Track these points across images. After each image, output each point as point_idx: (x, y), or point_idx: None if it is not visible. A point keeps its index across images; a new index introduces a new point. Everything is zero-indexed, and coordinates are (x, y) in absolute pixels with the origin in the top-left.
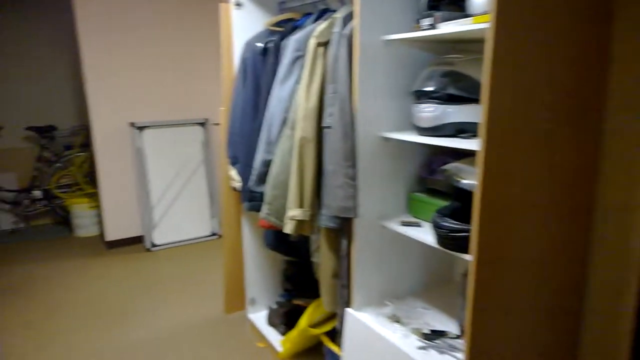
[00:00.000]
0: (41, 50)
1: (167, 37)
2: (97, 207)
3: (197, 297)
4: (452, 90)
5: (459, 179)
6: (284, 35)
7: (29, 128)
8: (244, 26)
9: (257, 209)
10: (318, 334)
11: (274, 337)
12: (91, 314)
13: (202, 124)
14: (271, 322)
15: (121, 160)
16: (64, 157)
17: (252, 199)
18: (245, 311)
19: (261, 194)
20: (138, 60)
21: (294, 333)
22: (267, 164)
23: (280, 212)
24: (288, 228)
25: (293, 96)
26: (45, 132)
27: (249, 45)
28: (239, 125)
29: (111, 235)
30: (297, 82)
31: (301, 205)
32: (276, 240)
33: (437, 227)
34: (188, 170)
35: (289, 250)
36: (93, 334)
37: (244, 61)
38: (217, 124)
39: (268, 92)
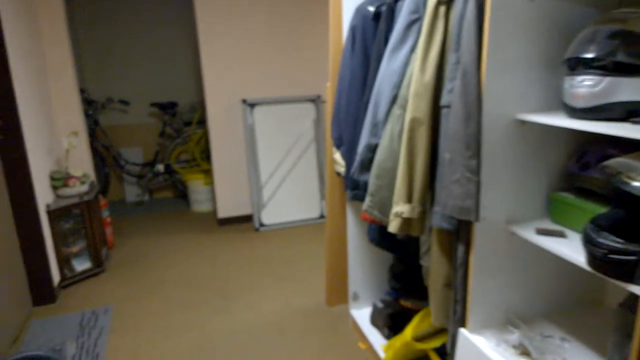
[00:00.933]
0: (165, 29)
1: (279, 12)
2: (212, 183)
3: (302, 283)
4: (622, 57)
5: (627, 180)
6: None
7: (153, 104)
8: None
9: (361, 199)
10: (424, 349)
11: (377, 340)
12: (196, 292)
13: (313, 101)
14: (374, 323)
15: (233, 137)
16: (184, 133)
17: (355, 187)
18: (348, 306)
19: (365, 183)
20: (250, 37)
21: (397, 342)
22: (372, 148)
23: (385, 206)
24: (393, 226)
25: (405, 69)
26: (167, 108)
27: (359, 10)
28: (345, 102)
29: (222, 212)
30: (412, 51)
31: (409, 200)
32: (380, 235)
33: (590, 243)
34: (298, 149)
35: (395, 248)
36: (197, 312)
37: (352, 29)
38: (325, 102)
39: (375, 64)
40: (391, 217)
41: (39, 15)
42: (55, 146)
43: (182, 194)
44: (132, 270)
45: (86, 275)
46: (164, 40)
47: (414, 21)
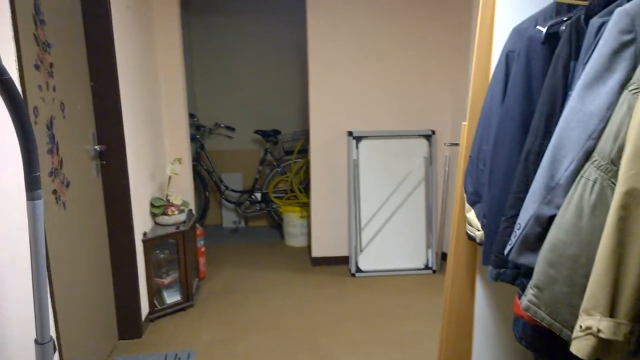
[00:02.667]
0: (273, 57)
1: (394, 41)
2: (308, 218)
3: (410, 350)
4: None
5: None
6: (592, 10)
7: (257, 131)
8: (515, 7)
9: (510, 282)
10: None
11: None
12: (285, 343)
13: (427, 137)
14: None
15: (335, 171)
16: (284, 162)
17: (501, 264)
18: None
19: (527, 268)
20: (361, 66)
21: None
22: (543, 221)
23: (560, 308)
24: (580, 347)
25: (610, 112)
26: (270, 136)
27: (520, 32)
28: (490, 150)
29: (317, 251)
30: (622, 86)
31: (611, 313)
32: (536, 336)
33: None
34: (405, 190)
35: (557, 357)
36: None
37: (507, 57)
38: (454, 144)
39: (551, 104)
40: (576, 331)
41: (155, 43)
42: (160, 172)
43: (278, 225)
44: (221, 306)
45: (175, 309)
46: (272, 68)
47: (628, 44)
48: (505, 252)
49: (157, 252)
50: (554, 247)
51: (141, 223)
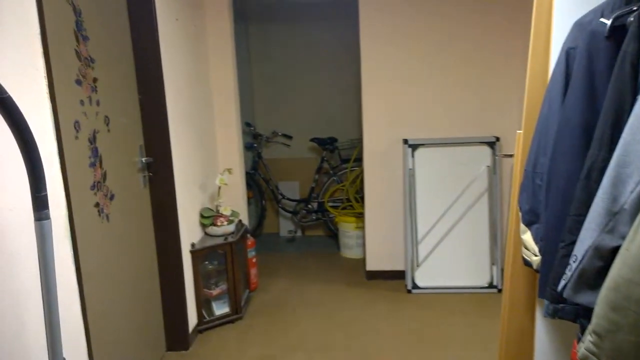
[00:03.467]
0: (330, 62)
1: (454, 40)
2: (363, 228)
3: None
4: None
5: None
6: None
7: (313, 139)
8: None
9: (570, 319)
10: None
11: None
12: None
13: (490, 144)
14: None
15: (390, 181)
16: (340, 170)
17: (559, 299)
18: None
19: (584, 308)
20: (417, 69)
21: None
22: (603, 253)
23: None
24: None
25: None
26: (326, 144)
27: (582, 25)
28: (548, 162)
29: (372, 264)
30: None
31: None
32: None
33: None
34: (467, 201)
35: None
36: None
37: (567, 55)
38: (508, 155)
39: (617, 110)
40: None
41: (208, 54)
42: (211, 182)
43: (334, 234)
44: (270, 320)
45: (224, 321)
46: (329, 75)
47: None
48: (559, 287)
49: (206, 262)
50: (618, 287)
51: (190, 233)
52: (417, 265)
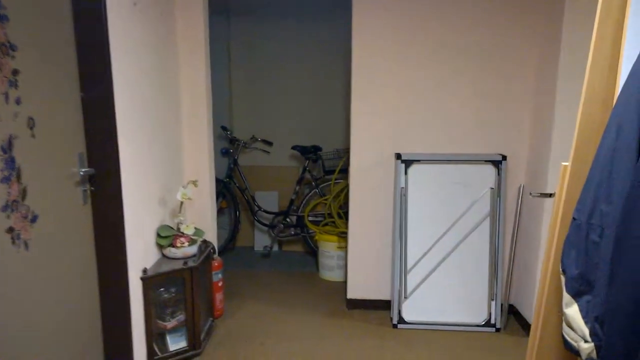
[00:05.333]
0: (318, 66)
1: (456, 52)
2: (345, 250)
3: None
4: None
5: None
6: None
7: (295, 147)
8: None
9: None
10: None
11: None
12: None
13: (495, 163)
14: None
15: (378, 200)
16: (323, 182)
17: None
18: None
19: None
20: (414, 76)
21: None
22: None
23: None
24: None
25: None
26: (309, 152)
27: None
28: (616, 212)
29: (353, 291)
30: None
31: None
32: None
33: None
34: (465, 226)
35: None
36: None
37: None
38: (547, 195)
39: None
40: None
41: (177, 49)
42: (174, 194)
43: (313, 251)
44: (234, 355)
45: (179, 358)
46: (315, 79)
47: None
48: None
49: (161, 290)
50: None
51: (143, 257)
52: (405, 297)
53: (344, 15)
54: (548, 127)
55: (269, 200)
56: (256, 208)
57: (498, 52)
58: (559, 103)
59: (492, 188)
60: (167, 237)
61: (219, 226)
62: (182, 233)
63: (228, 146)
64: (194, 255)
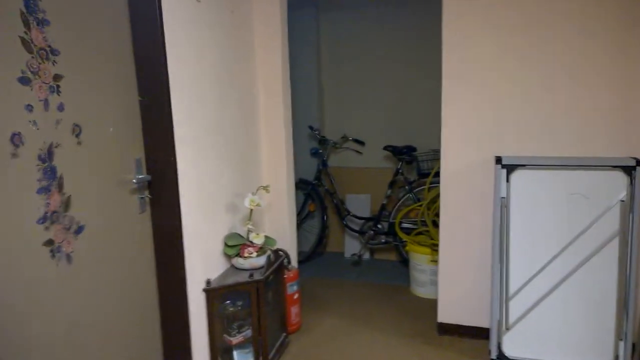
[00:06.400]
0: (413, 58)
1: (577, 25)
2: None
3: None
4: None
5: None
6: None
7: (387, 147)
8: None
9: None
10: None
11: None
12: None
13: (627, 169)
14: None
15: (475, 210)
16: (418, 186)
17: None
18: None
19: None
20: (518, 60)
21: None
22: None
23: None
24: None
25: None
26: (402, 153)
27: None
28: None
29: (445, 315)
30: None
31: None
32: None
33: None
34: (585, 247)
35: None
36: None
37: None
38: None
39: None
40: None
41: (254, 47)
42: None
43: (407, 261)
44: None
45: None
46: (410, 73)
47: None
48: None
49: (227, 303)
50: None
51: (207, 267)
52: (507, 328)
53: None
54: None
55: (360, 204)
56: (345, 212)
57: (633, 30)
58: None
59: (622, 200)
60: (234, 246)
61: (308, 230)
62: (251, 242)
63: (318, 146)
64: (262, 267)
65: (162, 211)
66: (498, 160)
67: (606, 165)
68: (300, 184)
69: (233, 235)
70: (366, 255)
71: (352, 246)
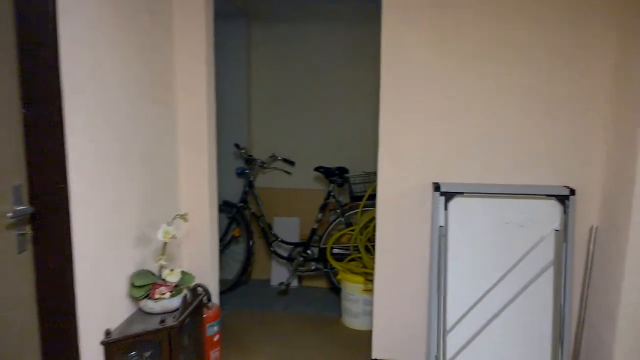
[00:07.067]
0: (348, 74)
1: (514, 55)
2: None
3: None
4: None
5: None
6: None
7: (318, 168)
8: None
9: None
10: None
11: None
12: None
13: (561, 199)
14: None
15: (411, 239)
16: (349, 210)
17: None
18: None
19: None
20: (458, 87)
21: None
22: None
23: None
24: None
25: None
26: (334, 175)
27: None
28: None
29: (379, 350)
30: None
31: None
32: None
33: None
34: (521, 278)
35: None
36: None
37: None
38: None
39: None
40: None
41: (174, 56)
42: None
43: (338, 289)
44: None
45: None
46: (344, 91)
47: None
48: None
49: (132, 354)
50: None
51: (109, 314)
52: None
53: (378, 17)
54: (631, 150)
55: (289, 228)
56: (273, 237)
57: (566, 56)
58: None
59: (556, 230)
60: (143, 286)
61: (232, 257)
62: (164, 280)
63: (244, 166)
64: (176, 310)
65: (48, 249)
66: (436, 187)
67: (541, 194)
68: (225, 207)
69: (142, 273)
70: (294, 283)
71: (279, 274)
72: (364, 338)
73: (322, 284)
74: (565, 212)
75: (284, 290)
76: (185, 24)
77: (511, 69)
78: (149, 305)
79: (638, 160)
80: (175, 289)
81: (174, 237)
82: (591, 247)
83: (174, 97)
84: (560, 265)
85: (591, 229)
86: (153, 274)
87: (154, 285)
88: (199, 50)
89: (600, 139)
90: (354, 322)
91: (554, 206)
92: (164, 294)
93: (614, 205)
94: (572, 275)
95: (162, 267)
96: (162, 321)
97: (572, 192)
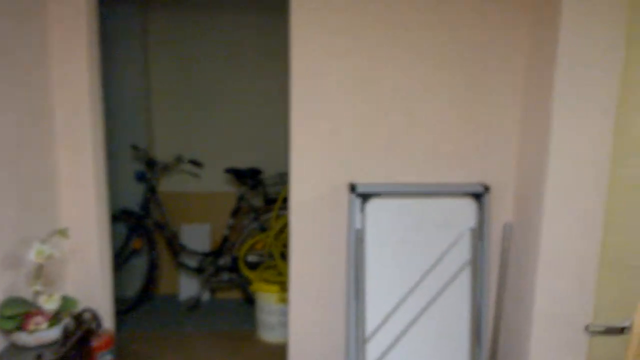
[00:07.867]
0: (258, 68)
1: (425, 52)
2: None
3: None
4: None
5: None
6: None
7: (229, 170)
8: None
9: None
10: None
11: None
12: None
13: (476, 196)
14: None
15: (327, 244)
16: (264, 214)
17: None
18: None
19: None
20: (370, 84)
21: None
22: None
23: None
24: None
25: None
26: (246, 177)
27: None
28: None
29: None
30: None
31: None
32: None
33: None
34: (440, 279)
35: None
36: None
37: None
38: (616, 331)
39: None
40: None
41: (48, 44)
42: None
43: (253, 300)
44: None
45: None
46: (255, 85)
47: None
48: None
49: None
50: None
51: None
52: None
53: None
54: (542, 147)
55: (199, 236)
56: (179, 248)
57: (478, 55)
58: (556, 116)
59: (472, 228)
60: (13, 317)
61: (133, 273)
62: (38, 309)
63: (144, 170)
64: (54, 343)
65: None
66: (352, 188)
67: (456, 192)
68: (123, 216)
69: (12, 302)
70: (206, 296)
71: (188, 286)
72: (281, 352)
73: (237, 295)
74: (480, 209)
75: (194, 305)
76: (59, 7)
77: (426, 69)
78: (22, 338)
79: (549, 157)
80: (54, 318)
81: (50, 257)
82: (505, 246)
83: (48, 94)
84: (476, 265)
85: (505, 225)
86: (26, 302)
87: (28, 315)
88: (79, 39)
89: (514, 136)
90: (270, 335)
91: (470, 204)
92: (39, 324)
93: (527, 201)
94: (488, 274)
95: (37, 293)
96: (39, 356)
97: (487, 189)
